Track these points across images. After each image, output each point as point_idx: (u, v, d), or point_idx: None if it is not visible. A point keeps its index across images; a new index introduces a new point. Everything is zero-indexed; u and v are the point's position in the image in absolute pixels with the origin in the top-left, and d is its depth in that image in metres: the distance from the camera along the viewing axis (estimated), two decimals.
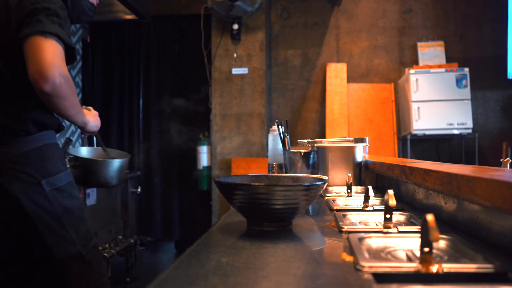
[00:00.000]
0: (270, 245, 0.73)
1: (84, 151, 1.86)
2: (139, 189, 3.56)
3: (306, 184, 0.84)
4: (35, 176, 1.31)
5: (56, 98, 1.24)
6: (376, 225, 0.94)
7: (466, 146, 3.99)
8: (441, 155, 4.09)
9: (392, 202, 0.78)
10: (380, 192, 1.46)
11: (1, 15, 1.29)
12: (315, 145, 1.78)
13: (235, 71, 4.07)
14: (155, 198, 4.39)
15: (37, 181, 1.31)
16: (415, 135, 3.73)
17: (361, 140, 1.81)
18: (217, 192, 4.02)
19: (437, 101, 3.69)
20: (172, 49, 4.42)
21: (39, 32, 1.21)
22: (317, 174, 1.67)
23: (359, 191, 1.51)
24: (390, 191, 0.78)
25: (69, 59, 1.35)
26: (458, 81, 3.69)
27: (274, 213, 0.83)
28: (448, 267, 0.55)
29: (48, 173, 1.34)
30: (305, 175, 1.04)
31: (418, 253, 0.66)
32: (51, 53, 1.21)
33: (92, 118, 1.54)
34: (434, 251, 0.66)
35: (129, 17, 4.05)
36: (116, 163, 1.70)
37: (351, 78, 4.25)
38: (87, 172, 1.66)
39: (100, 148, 1.86)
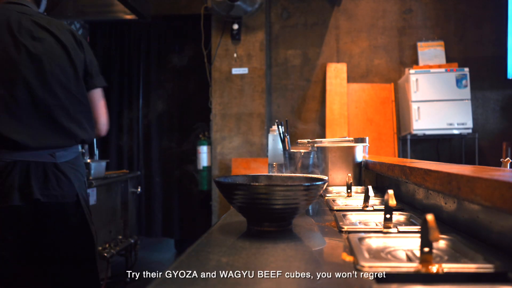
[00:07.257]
0: (270, 245, 0.73)
1: None
2: (139, 189, 3.55)
3: (306, 184, 0.84)
4: (83, 176, 1.60)
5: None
6: (376, 225, 0.94)
7: (466, 146, 3.99)
8: (441, 155, 4.09)
9: (392, 202, 0.78)
10: (380, 192, 1.46)
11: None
12: (315, 145, 1.78)
13: (235, 71, 4.07)
14: (155, 198, 4.39)
15: (84, 180, 1.60)
16: (415, 135, 3.73)
17: (361, 140, 1.81)
18: (217, 192, 4.02)
19: (437, 101, 3.69)
20: (172, 49, 4.42)
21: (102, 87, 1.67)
22: (317, 174, 1.67)
23: (359, 191, 1.51)
24: (390, 191, 0.78)
25: None
26: (458, 81, 3.69)
27: (274, 213, 0.83)
28: (448, 267, 0.55)
29: (84, 174, 1.63)
30: (305, 175, 1.04)
31: (418, 253, 0.65)
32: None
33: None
34: (434, 251, 0.66)
35: (129, 17, 4.04)
36: None
37: (351, 78, 4.25)
38: None
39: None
